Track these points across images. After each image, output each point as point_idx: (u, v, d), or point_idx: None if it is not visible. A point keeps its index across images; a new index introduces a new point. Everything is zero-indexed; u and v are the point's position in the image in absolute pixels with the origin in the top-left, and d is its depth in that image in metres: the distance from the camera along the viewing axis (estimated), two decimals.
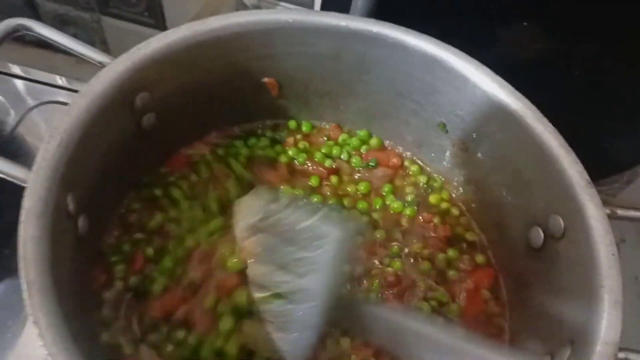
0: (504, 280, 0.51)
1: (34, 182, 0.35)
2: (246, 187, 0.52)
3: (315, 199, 0.54)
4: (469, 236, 0.54)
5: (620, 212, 0.42)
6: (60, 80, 0.65)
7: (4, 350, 0.48)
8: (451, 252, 0.52)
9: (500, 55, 0.50)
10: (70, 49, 0.43)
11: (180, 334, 0.43)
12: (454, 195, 0.57)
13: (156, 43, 0.44)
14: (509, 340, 0.48)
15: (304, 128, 0.59)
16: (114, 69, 0.42)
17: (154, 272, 0.46)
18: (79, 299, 0.39)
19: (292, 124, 0.59)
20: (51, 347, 0.30)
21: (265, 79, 0.54)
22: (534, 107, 0.46)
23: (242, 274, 0.43)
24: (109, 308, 0.44)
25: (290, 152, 0.57)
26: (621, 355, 0.35)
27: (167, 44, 0.44)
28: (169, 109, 0.49)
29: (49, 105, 0.64)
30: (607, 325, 0.36)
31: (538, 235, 0.46)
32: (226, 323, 0.43)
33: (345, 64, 0.53)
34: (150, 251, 0.47)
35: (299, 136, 0.58)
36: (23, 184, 0.36)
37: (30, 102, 0.63)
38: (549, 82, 0.54)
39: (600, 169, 0.64)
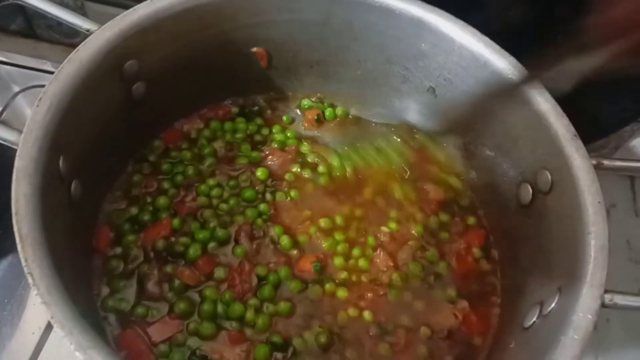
0: (495, 239, 0.52)
1: (25, 142, 0.36)
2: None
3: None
4: (461, 200, 0.54)
5: (606, 162, 0.42)
6: (45, 65, 0.64)
7: (2, 327, 0.49)
8: (443, 216, 0.53)
9: (486, 19, 0.50)
10: (59, 17, 0.44)
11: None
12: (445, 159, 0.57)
13: (143, 10, 0.45)
14: (500, 295, 0.48)
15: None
16: (101, 36, 0.43)
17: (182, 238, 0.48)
18: (77, 255, 0.40)
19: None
20: (45, 295, 0.30)
21: (254, 49, 0.54)
22: (519, 65, 0.46)
23: None
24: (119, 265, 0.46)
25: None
26: (607, 296, 0.36)
27: (154, 10, 0.45)
28: (159, 79, 0.49)
29: (34, 89, 0.62)
30: (593, 268, 0.37)
31: (527, 192, 0.47)
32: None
33: (333, 30, 0.53)
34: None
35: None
36: (14, 147, 0.36)
37: (16, 87, 0.62)
38: (532, 45, 0.54)
39: (587, 133, 0.64)
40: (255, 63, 0.56)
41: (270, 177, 0.54)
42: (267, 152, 0.55)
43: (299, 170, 0.54)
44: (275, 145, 0.56)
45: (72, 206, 0.41)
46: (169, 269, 0.46)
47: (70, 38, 0.63)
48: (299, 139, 0.57)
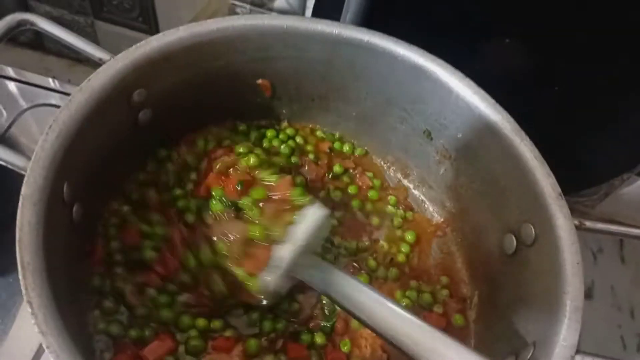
0: (476, 282, 0.54)
1: (32, 170, 0.37)
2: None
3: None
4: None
5: (588, 224, 0.44)
6: (53, 83, 0.66)
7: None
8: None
9: (484, 68, 0.52)
10: (72, 45, 0.46)
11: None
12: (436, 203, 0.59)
13: (155, 42, 0.46)
14: (474, 337, 0.50)
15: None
16: (113, 65, 0.44)
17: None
18: (72, 280, 0.41)
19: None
20: (42, 325, 0.32)
21: (260, 81, 0.56)
22: (512, 120, 0.48)
23: None
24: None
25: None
26: (578, 357, 0.38)
27: (166, 44, 0.47)
28: (165, 105, 0.51)
29: (41, 108, 0.64)
30: (567, 328, 0.38)
31: (511, 242, 0.48)
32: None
33: (336, 69, 0.55)
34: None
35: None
36: (22, 172, 0.38)
37: (23, 104, 0.64)
38: (530, 95, 0.57)
39: (579, 182, 0.67)
40: (260, 93, 0.57)
41: None
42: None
43: None
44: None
45: (72, 229, 0.42)
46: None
47: (77, 52, 0.65)
48: None
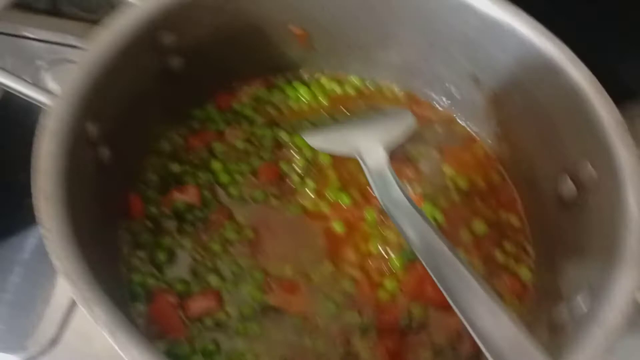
0: (534, 237, 0.49)
1: (56, 104, 0.37)
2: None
3: None
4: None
5: None
6: (69, 40, 0.64)
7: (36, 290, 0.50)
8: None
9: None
10: None
11: None
12: (489, 151, 0.55)
13: None
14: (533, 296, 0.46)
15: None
16: (140, 6, 0.43)
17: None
18: (102, 222, 0.41)
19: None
20: (57, 250, 0.31)
21: (294, 27, 0.54)
22: (569, 51, 0.43)
23: None
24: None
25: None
26: None
27: None
28: (195, 53, 0.49)
29: (59, 63, 0.63)
30: (630, 269, 0.34)
31: (568, 187, 0.44)
32: None
33: (376, 13, 0.52)
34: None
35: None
36: (44, 107, 0.37)
37: (41, 62, 0.63)
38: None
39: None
40: (293, 41, 0.55)
41: None
42: None
43: None
44: None
45: (100, 172, 0.42)
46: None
47: (92, 13, 0.65)
48: None
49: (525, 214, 0.50)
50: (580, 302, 0.36)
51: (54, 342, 0.47)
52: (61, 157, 0.35)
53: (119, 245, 0.45)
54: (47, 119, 0.36)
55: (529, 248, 0.48)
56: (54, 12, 0.45)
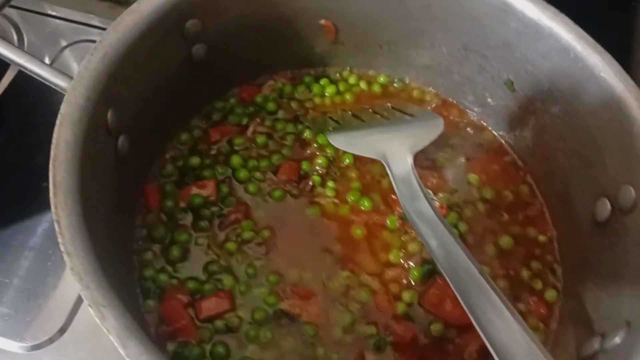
0: (562, 255, 0.47)
1: (73, 89, 0.35)
2: None
3: None
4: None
5: None
6: (93, 20, 0.63)
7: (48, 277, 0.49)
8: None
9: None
10: None
11: None
12: (519, 163, 0.52)
13: None
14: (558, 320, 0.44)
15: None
16: None
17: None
18: (117, 214, 0.40)
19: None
20: (68, 245, 0.30)
21: (323, 22, 0.52)
22: (614, 62, 0.41)
23: None
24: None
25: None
26: None
27: None
28: (221, 42, 0.47)
29: (82, 44, 0.61)
30: None
31: (605, 208, 0.41)
32: None
33: (410, 10, 0.49)
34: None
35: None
36: (63, 92, 0.36)
37: (64, 41, 0.61)
38: None
39: None
40: (321, 35, 0.53)
41: None
42: None
43: None
44: None
45: (119, 163, 0.40)
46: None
47: None
48: None
49: (555, 231, 0.48)
50: (615, 338, 0.34)
51: (61, 330, 0.46)
52: (77, 146, 0.34)
53: (133, 239, 0.44)
54: (64, 104, 0.35)
55: (557, 268, 0.46)
56: None
